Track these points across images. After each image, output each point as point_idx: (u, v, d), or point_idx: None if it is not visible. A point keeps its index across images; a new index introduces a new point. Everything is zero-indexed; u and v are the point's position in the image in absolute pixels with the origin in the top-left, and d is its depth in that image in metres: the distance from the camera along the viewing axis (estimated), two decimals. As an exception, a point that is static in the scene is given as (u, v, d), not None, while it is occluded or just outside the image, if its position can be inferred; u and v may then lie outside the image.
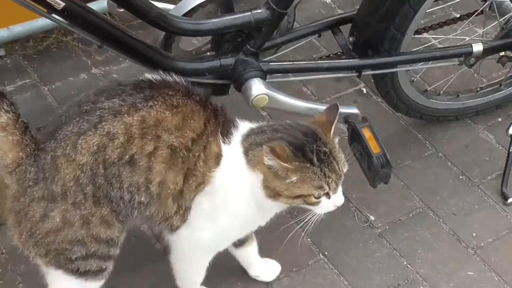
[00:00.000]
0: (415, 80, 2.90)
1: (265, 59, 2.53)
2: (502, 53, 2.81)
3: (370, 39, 2.59)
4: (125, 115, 1.88)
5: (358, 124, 2.49)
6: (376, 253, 2.57)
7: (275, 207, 2.02)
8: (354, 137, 2.48)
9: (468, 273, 2.53)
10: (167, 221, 2.02)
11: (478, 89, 3.00)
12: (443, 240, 2.63)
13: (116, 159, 1.88)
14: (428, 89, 2.94)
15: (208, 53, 2.58)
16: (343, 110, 2.52)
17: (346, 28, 2.63)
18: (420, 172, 2.84)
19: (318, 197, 1.93)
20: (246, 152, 1.94)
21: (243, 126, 2.01)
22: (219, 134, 1.96)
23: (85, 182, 1.88)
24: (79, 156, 1.86)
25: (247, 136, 1.97)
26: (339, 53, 2.70)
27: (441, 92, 2.94)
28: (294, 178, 1.88)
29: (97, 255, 2.00)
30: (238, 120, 2.03)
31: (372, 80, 2.82)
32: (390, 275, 2.52)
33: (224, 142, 1.96)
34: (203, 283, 2.30)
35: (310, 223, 2.00)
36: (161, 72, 2.00)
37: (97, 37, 2.26)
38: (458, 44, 2.76)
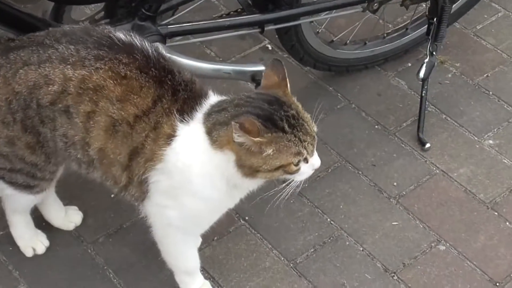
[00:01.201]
0: (320, 31, 2.88)
1: (163, 23, 2.47)
2: (405, -4, 2.78)
3: (270, -8, 2.53)
4: (69, 67, 1.87)
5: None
6: (297, 212, 2.53)
7: (251, 185, 1.97)
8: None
9: (393, 223, 2.51)
10: (126, 191, 2.00)
11: (385, 35, 2.97)
12: (364, 192, 2.60)
13: (48, 104, 1.89)
14: (334, 39, 2.91)
15: (103, 22, 2.46)
16: (248, 68, 2.49)
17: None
18: (335, 125, 2.79)
19: (297, 164, 1.87)
20: (209, 132, 1.85)
21: (210, 102, 1.92)
22: (175, 113, 1.86)
23: (16, 108, 1.92)
24: (15, 84, 1.90)
25: (208, 115, 1.88)
26: (239, 10, 2.63)
27: (348, 41, 2.91)
28: (270, 151, 1.81)
29: (23, 173, 2.07)
30: (209, 95, 1.93)
31: (276, 36, 2.76)
32: (314, 233, 2.48)
33: (182, 121, 1.87)
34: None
35: (288, 193, 1.96)
36: (132, 34, 1.95)
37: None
38: (360, -10, 2.71)
